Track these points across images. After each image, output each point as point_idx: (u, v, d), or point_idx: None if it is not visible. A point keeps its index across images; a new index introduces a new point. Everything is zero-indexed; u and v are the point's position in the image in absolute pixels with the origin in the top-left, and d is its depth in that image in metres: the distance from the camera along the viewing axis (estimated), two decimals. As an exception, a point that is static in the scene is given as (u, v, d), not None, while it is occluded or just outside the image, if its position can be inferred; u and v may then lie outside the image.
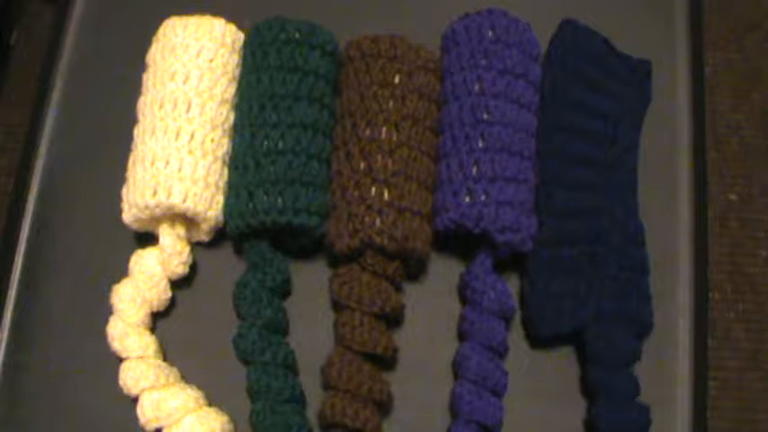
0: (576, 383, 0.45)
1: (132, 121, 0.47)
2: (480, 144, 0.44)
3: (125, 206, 0.45)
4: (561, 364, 0.45)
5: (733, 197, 0.63)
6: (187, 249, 0.46)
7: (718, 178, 0.63)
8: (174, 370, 0.44)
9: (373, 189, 0.44)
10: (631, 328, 0.45)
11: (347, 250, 0.43)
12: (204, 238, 0.46)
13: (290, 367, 0.43)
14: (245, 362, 0.43)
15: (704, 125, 0.51)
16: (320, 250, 0.46)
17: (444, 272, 0.47)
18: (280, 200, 0.44)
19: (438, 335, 0.46)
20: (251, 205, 0.44)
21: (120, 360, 0.43)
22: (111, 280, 0.45)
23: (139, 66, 0.48)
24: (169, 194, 0.44)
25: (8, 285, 0.47)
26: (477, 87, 0.45)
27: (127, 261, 0.45)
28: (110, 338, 0.44)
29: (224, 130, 0.46)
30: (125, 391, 0.43)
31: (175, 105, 0.45)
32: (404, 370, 0.45)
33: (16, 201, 0.49)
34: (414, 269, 0.46)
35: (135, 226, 0.46)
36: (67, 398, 0.45)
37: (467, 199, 0.44)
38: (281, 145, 0.44)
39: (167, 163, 0.44)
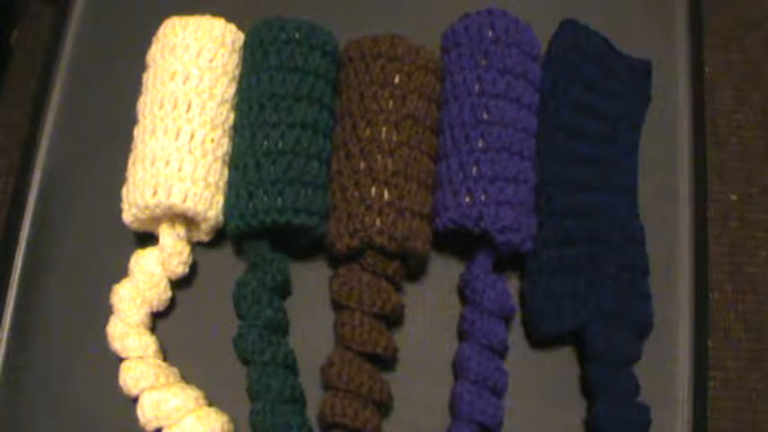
0: (576, 383, 0.45)
1: (132, 121, 0.47)
2: (480, 144, 0.44)
3: (125, 206, 0.45)
4: (561, 364, 0.45)
5: (733, 197, 0.63)
6: (187, 249, 0.46)
7: (718, 178, 0.63)
8: (174, 370, 0.44)
9: (373, 189, 0.44)
10: (631, 328, 0.45)
11: (347, 250, 0.43)
12: (204, 238, 0.46)
13: (290, 367, 0.43)
14: (245, 362, 0.43)
15: (704, 125, 0.51)
16: (320, 250, 0.46)
17: (444, 272, 0.47)
18: (280, 200, 0.44)
19: (438, 335, 0.46)
20: (251, 205, 0.44)
21: (120, 360, 0.44)
22: (111, 280, 0.45)
23: (139, 66, 0.48)
24: (169, 194, 0.44)
25: (8, 285, 0.47)
26: (477, 87, 0.45)
27: (127, 261, 0.45)
28: (110, 338, 0.44)
29: (224, 130, 0.46)
30: (125, 391, 0.43)
31: (175, 105, 0.45)
32: (404, 370, 0.45)
33: (16, 201, 0.49)
34: (414, 269, 0.46)
35: (135, 226, 0.46)
36: (67, 398, 0.45)
37: (467, 199, 0.44)
38: (281, 145, 0.44)
39: (167, 163, 0.44)
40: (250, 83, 0.46)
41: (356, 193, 0.44)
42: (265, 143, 0.45)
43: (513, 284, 0.46)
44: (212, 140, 0.46)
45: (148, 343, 0.44)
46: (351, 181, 0.44)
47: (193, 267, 0.46)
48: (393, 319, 0.45)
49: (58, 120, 0.51)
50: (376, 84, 0.45)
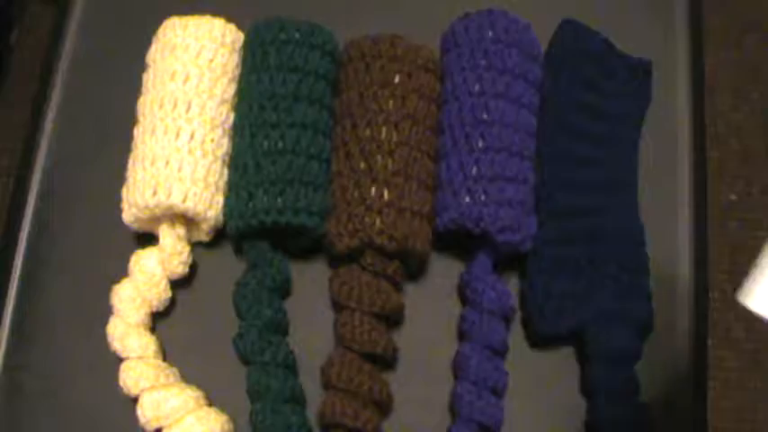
0: (575, 383, 0.45)
1: (132, 121, 0.47)
2: (480, 144, 0.44)
3: (125, 206, 0.45)
4: (561, 364, 0.45)
5: (733, 197, 0.63)
6: (187, 249, 0.46)
7: (718, 178, 0.63)
8: (174, 370, 0.44)
9: (373, 189, 0.44)
10: (631, 328, 0.45)
11: (347, 250, 0.43)
12: (204, 238, 0.46)
13: (290, 367, 0.43)
14: (245, 362, 0.43)
15: (704, 125, 0.51)
16: (320, 250, 0.46)
17: (444, 272, 0.47)
18: (280, 200, 0.44)
19: (438, 335, 0.45)
20: (251, 205, 0.44)
21: (120, 360, 0.44)
22: (111, 280, 0.45)
23: (139, 66, 0.48)
24: (169, 194, 0.44)
25: (8, 285, 0.47)
26: (477, 87, 0.45)
27: (127, 261, 0.45)
28: (110, 338, 0.44)
29: (224, 130, 0.46)
30: (125, 391, 0.43)
31: (175, 105, 0.45)
32: (404, 370, 0.45)
33: (16, 201, 0.49)
34: (414, 269, 0.46)
35: (135, 226, 0.46)
36: (67, 398, 0.45)
37: (467, 199, 0.44)
38: (280, 145, 0.44)
39: (167, 163, 0.44)
40: (250, 83, 0.46)
41: (356, 193, 0.44)
42: (265, 143, 0.45)
43: (513, 284, 0.46)
44: (212, 140, 0.46)
45: (148, 343, 0.44)
46: (351, 181, 0.44)
47: (193, 267, 0.46)
48: (393, 319, 0.45)
49: (58, 120, 0.51)
50: (376, 84, 0.45)
